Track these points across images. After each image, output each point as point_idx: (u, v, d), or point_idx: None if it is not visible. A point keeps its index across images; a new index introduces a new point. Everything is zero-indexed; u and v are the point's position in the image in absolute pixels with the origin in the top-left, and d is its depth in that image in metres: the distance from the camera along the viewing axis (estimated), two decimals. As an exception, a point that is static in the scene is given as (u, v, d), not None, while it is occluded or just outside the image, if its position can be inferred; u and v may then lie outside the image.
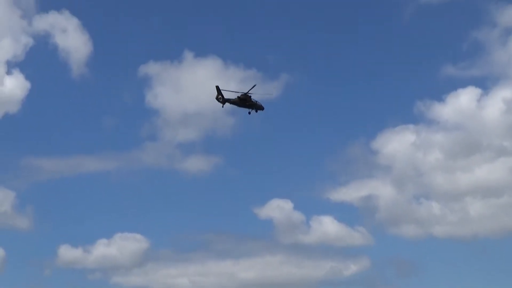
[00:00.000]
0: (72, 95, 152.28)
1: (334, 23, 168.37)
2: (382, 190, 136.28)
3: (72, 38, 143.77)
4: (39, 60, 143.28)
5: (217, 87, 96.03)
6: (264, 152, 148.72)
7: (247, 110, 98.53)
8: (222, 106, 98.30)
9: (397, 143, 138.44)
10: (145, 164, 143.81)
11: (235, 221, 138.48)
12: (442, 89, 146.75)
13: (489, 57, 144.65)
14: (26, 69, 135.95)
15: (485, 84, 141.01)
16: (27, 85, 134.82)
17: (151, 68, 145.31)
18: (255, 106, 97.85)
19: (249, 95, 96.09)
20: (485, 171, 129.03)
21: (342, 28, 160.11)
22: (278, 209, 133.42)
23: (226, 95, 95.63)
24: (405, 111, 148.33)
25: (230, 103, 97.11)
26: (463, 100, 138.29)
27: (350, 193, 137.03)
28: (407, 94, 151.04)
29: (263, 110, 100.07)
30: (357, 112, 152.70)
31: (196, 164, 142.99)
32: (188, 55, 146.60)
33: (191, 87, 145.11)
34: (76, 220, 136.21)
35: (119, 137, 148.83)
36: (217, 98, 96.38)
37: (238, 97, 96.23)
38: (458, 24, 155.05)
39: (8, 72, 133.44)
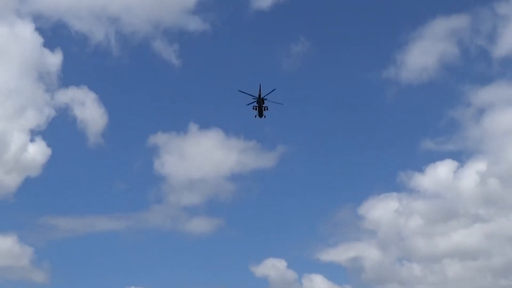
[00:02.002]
0: (88, 162, 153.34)
1: (326, 103, 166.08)
2: (368, 252, 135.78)
3: (89, 111, 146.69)
4: (59, 130, 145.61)
5: (260, 86, 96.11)
6: (261, 215, 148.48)
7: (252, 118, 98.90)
8: (265, 117, 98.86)
9: (381, 209, 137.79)
10: (152, 225, 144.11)
11: (233, 277, 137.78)
12: (422, 161, 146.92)
13: (464, 134, 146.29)
14: (48, 138, 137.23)
15: (461, 157, 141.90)
16: (48, 151, 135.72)
17: (159, 139, 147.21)
18: (262, 112, 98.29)
19: (265, 99, 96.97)
20: (462, 236, 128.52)
21: (333, 107, 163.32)
22: (273, 267, 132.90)
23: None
24: (388, 181, 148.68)
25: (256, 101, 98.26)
26: (441, 171, 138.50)
27: (339, 254, 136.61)
28: (391, 165, 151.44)
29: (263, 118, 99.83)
30: (345, 181, 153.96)
31: (199, 225, 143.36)
32: (193, 127, 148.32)
33: (195, 156, 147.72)
34: (89, 274, 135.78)
35: (128, 200, 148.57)
36: (258, 98, 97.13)
37: (262, 98, 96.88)
38: (436, 103, 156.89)
39: (32, 140, 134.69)
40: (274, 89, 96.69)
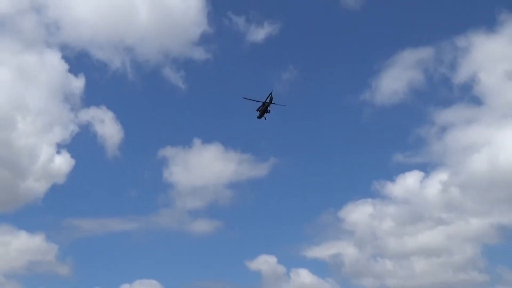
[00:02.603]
0: (106, 171, 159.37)
1: (312, 122, 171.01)
2: (347, 250, 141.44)
3: (108, 127, 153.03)
4: (82, 143, 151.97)
5: (271, 91, 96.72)
6: (255, 218, 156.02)
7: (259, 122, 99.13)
8: (265, 118, 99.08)
9: (359, 213, 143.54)
10: (161, 226, 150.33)
11: (231, 271, 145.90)
12: (393, 172, 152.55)
13: (429, 149, 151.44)
14: (72, 150, 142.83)
15: (426, 169, 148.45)
16: (72, 162, 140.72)
17: (168, 152, 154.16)
18: (263, 114, 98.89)
19: (273, 103, 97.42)
20: (427, 237, 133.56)
21: (317, 126, 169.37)
22: (265, 263, 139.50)
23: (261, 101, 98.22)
24: (364, 188, 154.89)
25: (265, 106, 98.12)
26: (409, 180, 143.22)
27: (322, 251, 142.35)
28: (367, 175, 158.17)
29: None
30: (327, 188, 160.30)
31: (201, 226, 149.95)
32: (197, 141, 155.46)
33: (198, 166, 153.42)
34: (105, 268, 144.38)
35: (141, 204, 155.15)
36: (270, 101, 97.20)
37: (270, 102, 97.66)
38: (405, 122, 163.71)
39: (58, 152, 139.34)
40: (272, 91, 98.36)
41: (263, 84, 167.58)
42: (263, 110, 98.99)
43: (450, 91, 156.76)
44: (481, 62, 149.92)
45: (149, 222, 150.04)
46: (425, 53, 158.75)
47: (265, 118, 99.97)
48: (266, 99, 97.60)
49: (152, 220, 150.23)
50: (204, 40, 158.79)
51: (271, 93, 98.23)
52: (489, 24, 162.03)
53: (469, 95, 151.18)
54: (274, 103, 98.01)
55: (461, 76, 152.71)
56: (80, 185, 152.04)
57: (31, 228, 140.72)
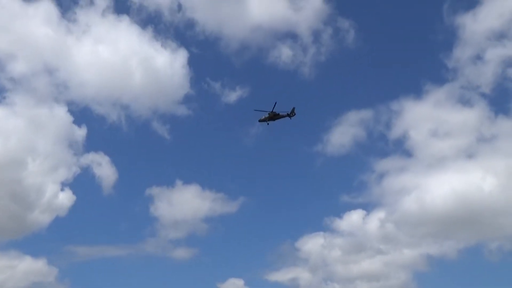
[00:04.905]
0: (102, 206, 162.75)
1: (274, 168, 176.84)
2: (302, 275, 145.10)
3: (104, 170, 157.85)
4: (82, 183, 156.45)
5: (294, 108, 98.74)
6: (226, 247, 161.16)
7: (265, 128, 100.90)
8: (268, 124, 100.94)
9: (312, 244, 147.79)
10: (147, 253, 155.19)
11: None
12: (340, 210, 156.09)
13: (369, 191, 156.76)
14: (74, 188, 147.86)
15: (367, 208, 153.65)
16: (73, 198, 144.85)
17: (154, 191, 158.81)
18: (266, 121, 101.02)
19: (276, 112, 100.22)
20: (368, 264, 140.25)
21: (279, 171, 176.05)
22: (233, 285, 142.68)
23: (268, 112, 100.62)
24: (317, 223, 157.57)
25: (271, 118, 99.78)
26: (354, 217, 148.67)
27: (282, 276, 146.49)
28: (319, 213, 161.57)
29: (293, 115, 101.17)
30: (286, 223, 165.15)
31: (181, 253, 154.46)
32: (178, 182, 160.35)
33: (179, 204, 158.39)
34: None
35: (131, 234, 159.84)
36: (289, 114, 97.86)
37: (291, 115, 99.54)
38: (350, 169, 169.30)
39: (62, 189, 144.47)
40: (294, 107, 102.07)
41: (233, 138, 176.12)
42: (273, 118, 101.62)
43: (386, 145, 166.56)
44: (411, 122, 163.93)
45: (137, 249, 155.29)
46: (366, 114, 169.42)
47: (268, 124, 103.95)
48: (273, 109, 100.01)
49: (140, 247, 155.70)
50: (186, 100, 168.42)
51: (293, 109, 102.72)
52: (417, 92, 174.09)
53: (401, 148, 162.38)
54: (290, 117, 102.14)
55: (395, 133, 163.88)
56: (79, 218, 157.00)
57: (35, 253, 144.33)
